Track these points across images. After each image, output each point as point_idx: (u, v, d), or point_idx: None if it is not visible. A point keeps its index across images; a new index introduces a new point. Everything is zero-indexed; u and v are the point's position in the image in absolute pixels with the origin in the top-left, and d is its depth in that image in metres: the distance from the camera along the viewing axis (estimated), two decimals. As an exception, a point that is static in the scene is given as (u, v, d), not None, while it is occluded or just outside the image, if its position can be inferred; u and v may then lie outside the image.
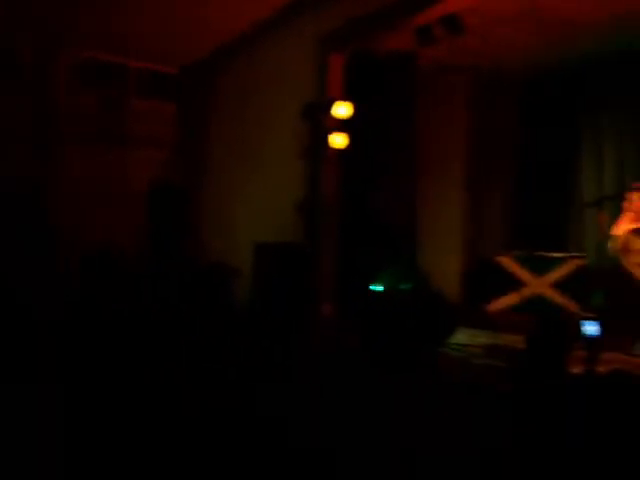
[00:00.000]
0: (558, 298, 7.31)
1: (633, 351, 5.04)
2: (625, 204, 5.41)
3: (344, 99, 6.61)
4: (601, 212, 5.49)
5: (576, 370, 3.69)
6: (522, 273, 7.37)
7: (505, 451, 2.68)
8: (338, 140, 6.22)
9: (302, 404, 3.32)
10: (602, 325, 3.71)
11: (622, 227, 5.15)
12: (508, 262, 7.42)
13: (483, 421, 2.98)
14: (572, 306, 7.25)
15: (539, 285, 7.36)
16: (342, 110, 6.19)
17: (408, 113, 7.76)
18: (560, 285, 7.30)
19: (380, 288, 6.50)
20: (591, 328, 3.69)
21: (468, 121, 8.28)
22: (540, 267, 7.36)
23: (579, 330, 3.89)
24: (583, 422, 2.85)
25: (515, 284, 7.40)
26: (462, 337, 5.57)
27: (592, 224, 7.27)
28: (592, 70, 8.00)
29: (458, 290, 8.19)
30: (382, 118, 7.44)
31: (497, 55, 7.80)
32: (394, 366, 4.01)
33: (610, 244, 5.09)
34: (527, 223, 8.64)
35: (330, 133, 6.29)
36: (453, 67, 8.11)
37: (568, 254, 7.63)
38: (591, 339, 3.71)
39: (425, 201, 8.18)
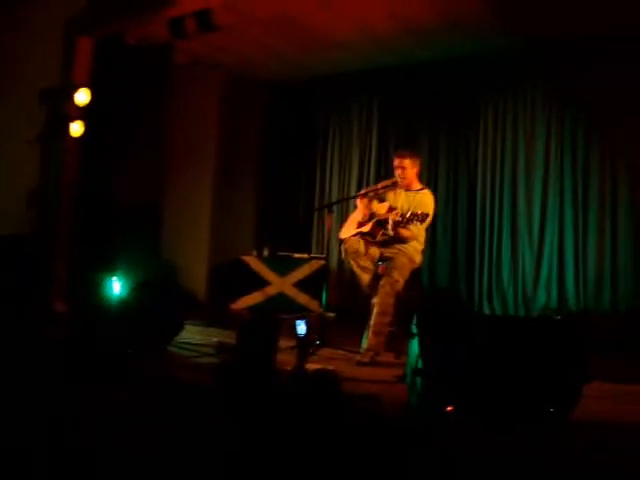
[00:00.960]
0: (300, 297, 7.61)
1: (359, 348, 5.30)
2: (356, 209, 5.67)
3: (91, 86, 6.30)
4: (329, 215, 5.75)
5: (289, 368, 3.81)
6: (266, 272, 7.54)
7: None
8: (76, 128, 5.90)
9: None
10: (308, 324, 3.87)
11: (347, 230, 5.41)
12: (253, 261, 7.55)
13: (183, 420, 2.94)
14: (313, 304, 7.58)
15: (282, 284, 7.58)
16: (82, 97, 5.89)
17: (160, 105, 7.60)
18: (302, 284, 7.61)
19: (120, 282, 6.28)
20: (301, 327, 3.83)
21: (220, 119, 8.27)
22: (284, 267, 7.59)
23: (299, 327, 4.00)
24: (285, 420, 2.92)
25: (260, 283, 7.56)
26: (197, 336, 5.54)
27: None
28: (338, 81, 8.45)
29: (205, 287, 8.16)
30: (132, 108, 7.21)
31: (251, 56, 7.87)
32: (110, 366, 3.85)
33: (342, 247, 5.30)
34: (275, 223, 8.87)
35: (70, 120, 5.96)
36: (208, 63, 8.07)
37: (310, 255, 7.95)
38: (301, 337, 3.85)
39: (175, 197, 8.07)
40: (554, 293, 7.20)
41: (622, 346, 6.10)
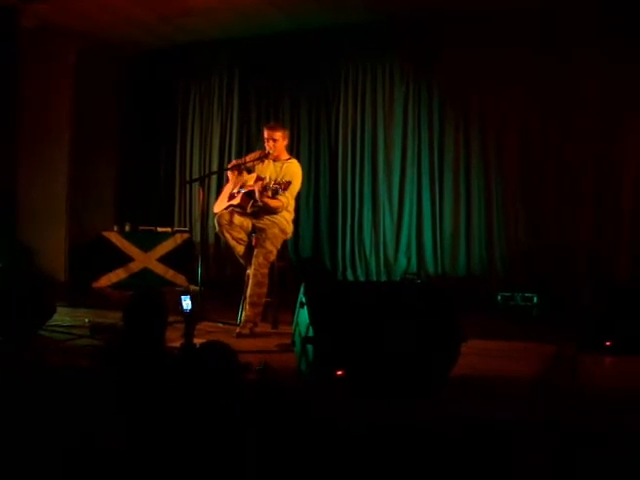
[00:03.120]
0: (165, 272, 7.47)
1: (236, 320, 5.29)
2: (226, 182, 5.63)
3: None
4: (200, 189, 5.65)
5: (176, 344, 3.75)
6: (129, 248, 7.33)
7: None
8: None
9: None
10: (192, 299, 3.84)
11: (220, 204, 5.37)
12: (115, 237, 7.31)
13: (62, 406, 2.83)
14: (179, 279, 7.48)
15: (146, 260, 7.41)
16: None
17: (7, 71, 7.06)
18: (166, 259, 7.47)
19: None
20: (186, 302, 3.78)
21: (74, 89, 7.79)
22: (147, 242, 7.42)
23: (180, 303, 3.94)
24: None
25: (123, 259, 7.34)
26: (65, 318, 5.29)
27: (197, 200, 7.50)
28: (198, 49, 8.30)
29: (64, 267, 7.77)
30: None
31: (106, 23, 7.48)
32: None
33: (215, 220, 5.23)
34: (136, 197, 8.60)
35: None
36: (61, 30, 7.56)
37: (174, 229, 7.81)
38: (187, 313, 3.81)
39: (28, 172, 7.55)
40: (414, 259, 7.54)
41: (477, 306, 6.51)
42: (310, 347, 3.45)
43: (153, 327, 3.16)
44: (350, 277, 7.71)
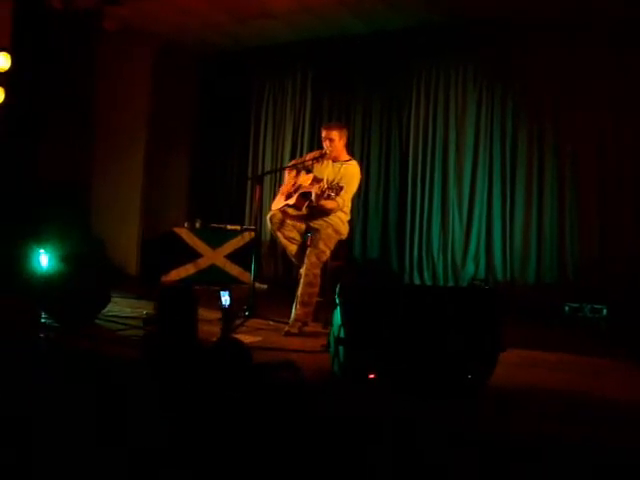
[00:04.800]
0: (232, 268, 7.61)
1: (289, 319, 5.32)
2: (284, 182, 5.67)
3: (11, 50, 6.10)
4: (258, 186, 5.71)
5: (214, 339, 3.82)
6: (198, 244, 7.51)
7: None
8: (-7, 94, 5.71)
9: None
10: (231, 295, 3.89)
11: (277, 203, 5.41)
12: (185, 233, 7.50)
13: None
14: (245, 276, 7.59)
15: (214, 256, 7.56)
16: (2, 62, 5.68)
17: (87, 71, 7.40)
18: (234, 256, 7.60)
19: (47, 255, 6.14)
20: (225, 298, 3.84)
21: (152, 89, 8.09)
22: (215, 239, 7.57)
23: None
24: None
25: (192, 255, 7.53)
26: (126, 309, 5.47)
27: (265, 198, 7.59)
28: (273, 51, 8.42)
29: (136, 261, 8.06)
30: (56, 74, 7.01)
31: (184, 25, 7.71)
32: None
33: (267, 218, 5.29)
34: (208, 194, 8.81)
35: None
36: (139, 32, 7.84)
37: (241, 227, 7.94)
38: (226, 308, 3.86)
39: (104, 167, 7.90)
40: (482, 264, 7.36)
41: (545, 315, 6.31)
42: (342, 348, 3.43)
43: (182, 320, 3.23)
44: (417, 281, 7.61)
